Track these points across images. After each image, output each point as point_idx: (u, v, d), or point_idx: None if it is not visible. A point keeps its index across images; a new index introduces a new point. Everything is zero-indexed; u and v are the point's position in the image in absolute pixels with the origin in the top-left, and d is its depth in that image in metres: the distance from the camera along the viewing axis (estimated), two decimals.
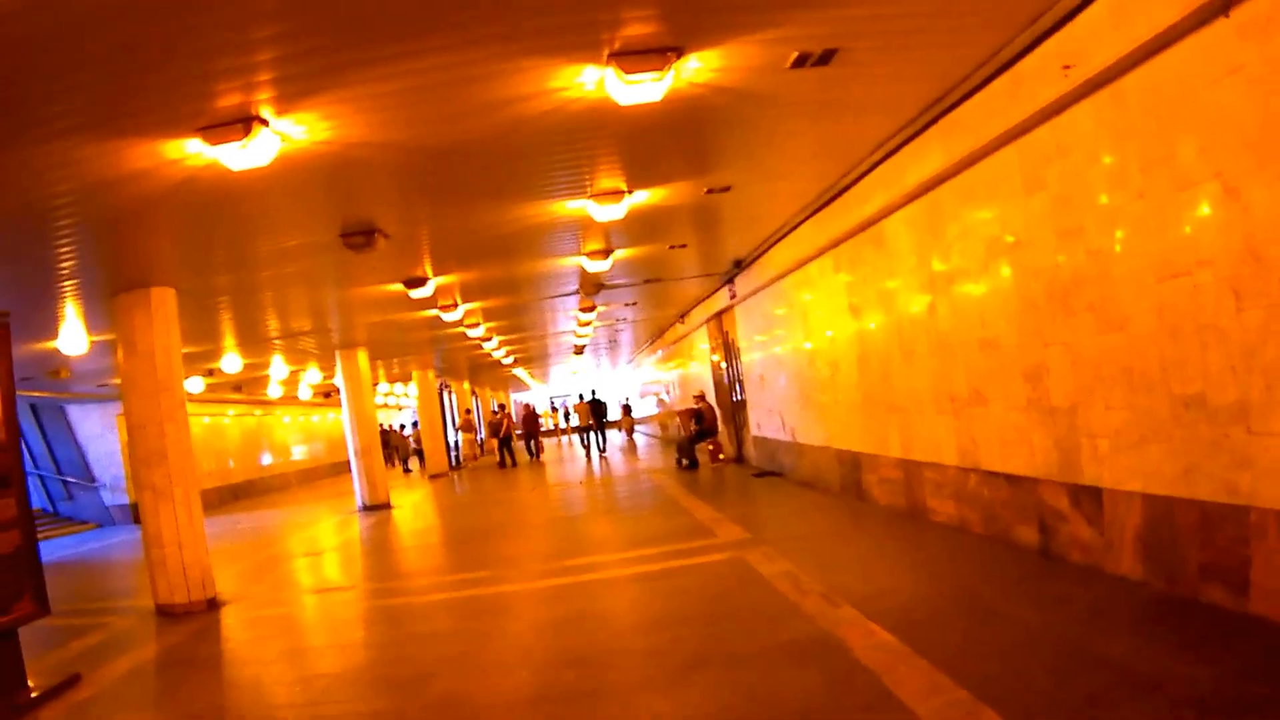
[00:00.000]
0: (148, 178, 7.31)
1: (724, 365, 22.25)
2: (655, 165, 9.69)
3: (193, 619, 10.55)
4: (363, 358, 23.21)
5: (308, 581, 13.25)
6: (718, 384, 22.91)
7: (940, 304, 9.47)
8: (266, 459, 37.19)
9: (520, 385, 61.08)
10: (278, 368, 25.56)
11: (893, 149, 9.45)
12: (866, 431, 12.27)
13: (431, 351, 28.45)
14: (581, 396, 36.25)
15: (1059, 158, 6.97)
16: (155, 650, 9.34)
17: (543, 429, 42.40)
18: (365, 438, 23.07)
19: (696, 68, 6.65)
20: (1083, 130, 6.63)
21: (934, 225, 9.37)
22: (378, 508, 22.08)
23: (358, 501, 22.61)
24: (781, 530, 11.61)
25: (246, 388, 29.56)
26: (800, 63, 6.74)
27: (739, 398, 21.03)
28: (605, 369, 56.34)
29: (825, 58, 6.70)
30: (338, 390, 24.15)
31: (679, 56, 6.33)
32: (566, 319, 24.25)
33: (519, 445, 36.25)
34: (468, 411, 41.33)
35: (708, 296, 21.39)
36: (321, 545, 17.04)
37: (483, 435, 45.28)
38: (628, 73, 6.27)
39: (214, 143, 6.51)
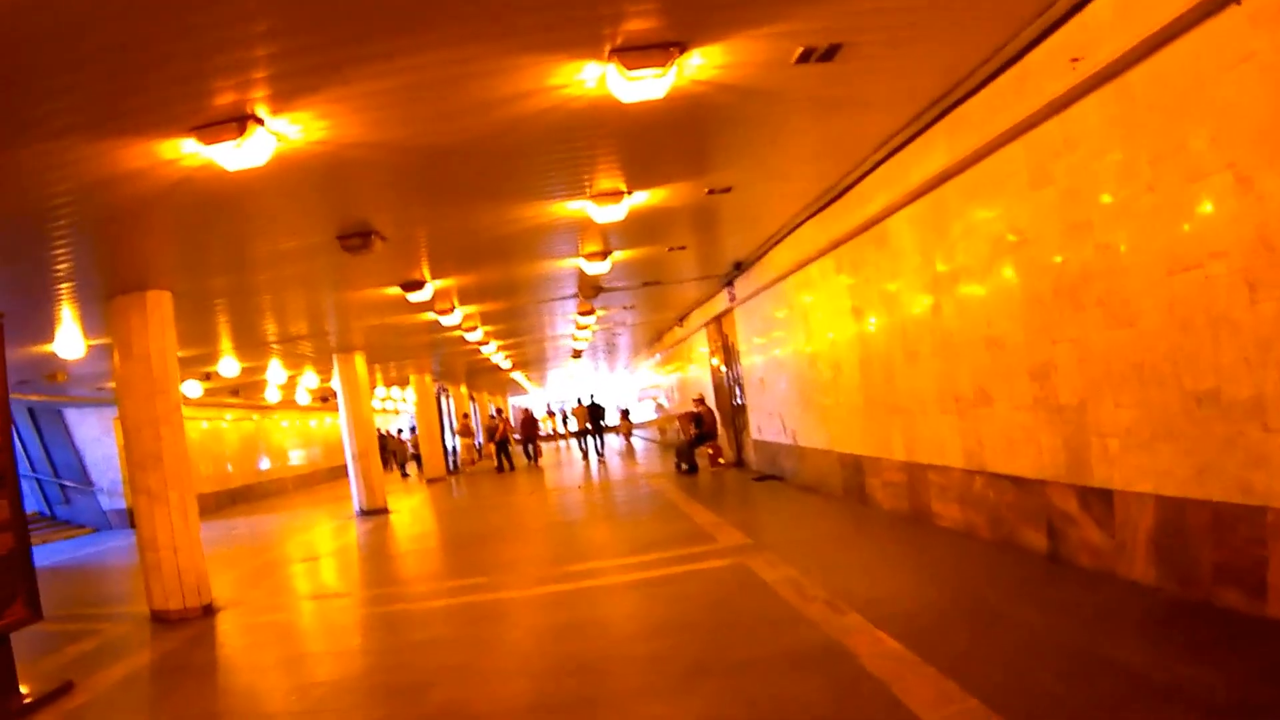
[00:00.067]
0: (143, 178, 7.22)
1: (723, 368, 22.18)
2: (656, 165, 9.59)
3: (188, 625, 10.45)
4: (360, 362, 23.14)
5: (304, 587, 13.14)
6: (717, 387, 22.82)
7: (944, 303, 9.37)
8: (264, 463, 37.09)
9: (519, 389, 61.05)
10: (275, 372, 25.50)
11: (896, 147, 9.36)
12: (869, 434, 12.16)
13: (429, 355, 28.40)
14: (580, 400, 36.19)
15: (1067, 152, 6.87)
16: (149, 657, 9.23)
17: (541, 433, 42.32)
18: (363, 442, 22.98)
19: (699, 64, 6.54)
20: (1091, 124, 6.53)
21: (938, 223, 9.27)
22: (375, 512, 21.99)
23: (355, 506, 22.52)
24: (783, 535, 11.50)
25: (244, 392, 29.53)
26: (805, 58, 6.64)
27: (739, 401, 20.95)
28: (603, 373, 56.29)
29: (830, 53, 6.60)
30: (335, 394, 24.08)
31: (682, 52, 6.23)
32: (565, 322, 24.18)
33: (517, 449, 36.18)
34: (465, 416, 41.25)
35: (707, 299, 21.31)
36: (319, 550, 16.95)
37: (480, 440, 45.19)
38: (630, 69, 6.17)
39: (208, 142, 6.43)
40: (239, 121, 6.29)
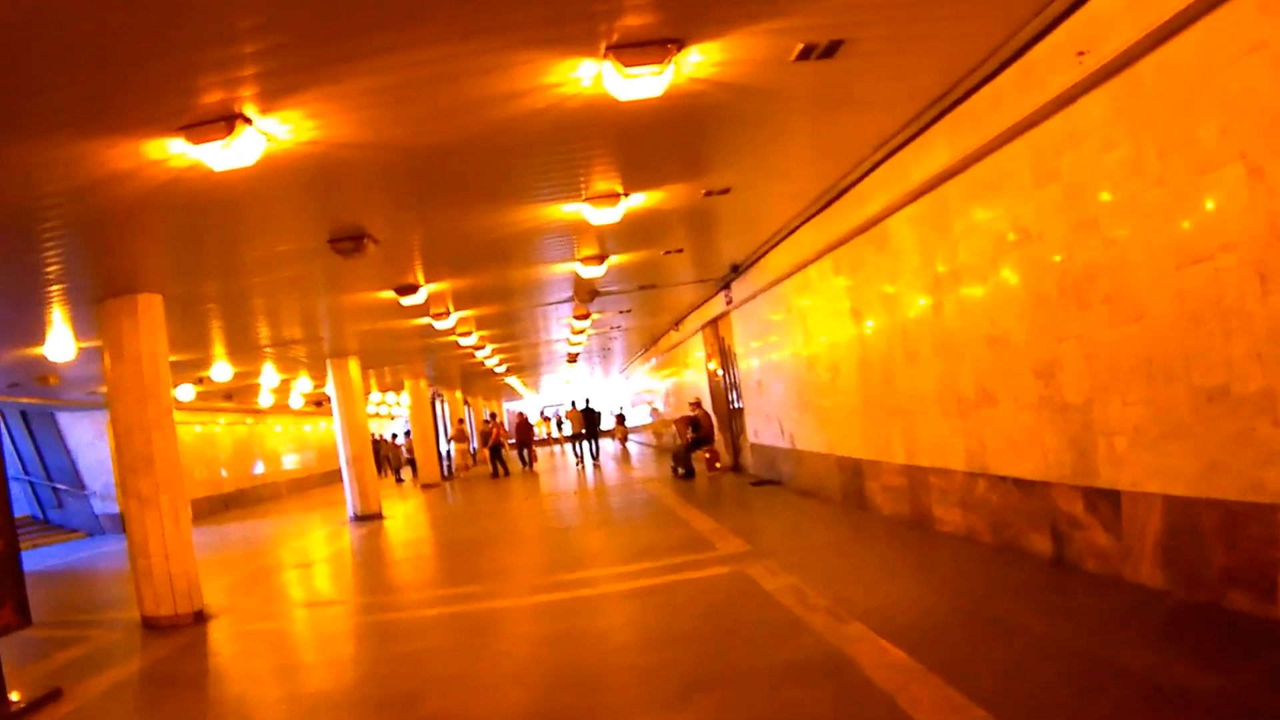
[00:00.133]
0: (131, 179, 7.10)
1: (720, 372, 22.10)
2: (652, 167, 9.49)
3: (179, 632, 10.33)
4: (354, 366, 23.08)
5: (297, 594, 13.03)
6: (714, 391, 22.72)
7: (946, 302, 9.25)
8: (258, 468, 36.99)
9: (513, 394, 60.99)
10: (269, 376, 25.44)
11: (897, 146, 9.26)
12: (868, 437, 12.04)
13: (423, 360, 28.36)
14: (574, 405, 36.11)
15: (1072, 148, 6.76)
16: (139, 665, 9.12)
17: (536, 438, 42.25)
18: (357, 447, 22.90)
19: (698, 61, 6.43)
20: (1097, 118, 6.43)
21: (939, 223, 9.16)
22: (369, 518, 21.90)
23: (349, 511, 22.43)
24: (783, 542, 11.39)
25: (237, 396, 29.45)
26: (805, 55, 6.52)
27: (735, 405, 20.85)
28: (598, 378, 56.27)
29: (831, 49, 6.48)
30: (329, 399, 24.00)
31: (680, 49, 6.11)
32: (560, 326, 24.13)
33: (512, 454, 36.06)
34: (461, 421, 41.19)
35: (703, 303, 21.21)
36: (312, 557, 16.86)
37: (475, 445, 45.11)
38: (627, 66, 6.05)
39: (196, 142, 6.32)
40: (227, 121, 6.18)
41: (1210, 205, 5.50)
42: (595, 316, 22.24)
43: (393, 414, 50.73)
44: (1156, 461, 6.24)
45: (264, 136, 6.51)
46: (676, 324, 25.77)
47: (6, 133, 5.99)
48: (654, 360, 34.64)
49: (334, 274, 12.44)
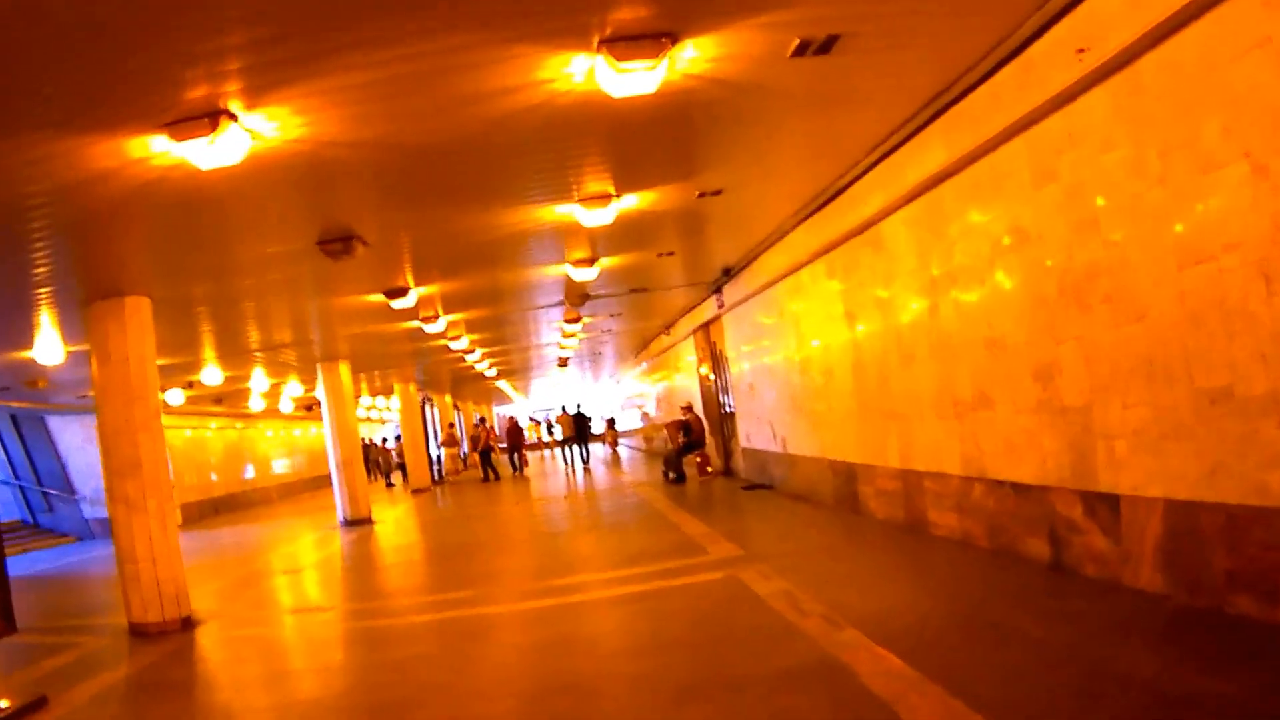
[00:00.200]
0: (114, 178, 6.98)
1: (711, 376, 22.03)
2: (645, 167, 9.41)
3: (166, 639, 10.19)
4: (344, 370, 23.02)
5: (286, 600, 12.92)
6: (705, 395, 22.65)
7: (942, 305, 9.16)
8: (248, 472, 36.84)
9: (503, 398, 60.90)
10: (259, 380, 25.38)
11: (892, 147, 9.18)
12: (862, 440, 11.95)
13: (414, 364, 28.28)
14: (565, 409, 36.02)
15: (1071, 148, 6.68)
16: (126, 672, 9.03)
17: (526, 442, 42.21)
18: (347, 451, 22.84)
19: (692, 56, 6.32)
20: (1097, 117, 6.34)
21: (936, 224, 9.08)
22: (359, 523, 21.79)
23: (339, 516, 22.31)
24: (776, 546, 11.27)
25: (227, 400, 29.32)
26: (801, 50, 6.43)
27: (727, 409, 20.77)
28: (589, 382, 56.24)
29: (827, 45, 6.39)
30: (319, 403, 23.89)
31: (674, 43, 6.01)
32: (551, 330, 24.07)
33: (502, 459, 35.96)
34: (451, 426, 41.07)
35: (694, 306, 21.15)
36: (301, 562, 16.75)
37: (465, 450, 45.01)
38: (620, 61, 5.94)
39: (180, 139, 6.19)
40: (211, 117, 6.04)
41: (1213, 205, 5.42)
42: (586, 320, 22.19)
43: (383, 418, 50.61)
44: (1157, 464, 6.15)
45: (249, 134, 6.39)
46: (668, 328, 25.73)
47: None
48: (645, 364, 34.59)
49: (323, 277, 12.33)
